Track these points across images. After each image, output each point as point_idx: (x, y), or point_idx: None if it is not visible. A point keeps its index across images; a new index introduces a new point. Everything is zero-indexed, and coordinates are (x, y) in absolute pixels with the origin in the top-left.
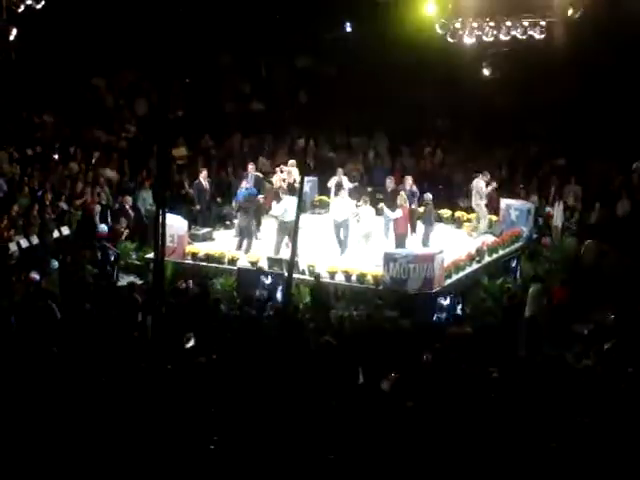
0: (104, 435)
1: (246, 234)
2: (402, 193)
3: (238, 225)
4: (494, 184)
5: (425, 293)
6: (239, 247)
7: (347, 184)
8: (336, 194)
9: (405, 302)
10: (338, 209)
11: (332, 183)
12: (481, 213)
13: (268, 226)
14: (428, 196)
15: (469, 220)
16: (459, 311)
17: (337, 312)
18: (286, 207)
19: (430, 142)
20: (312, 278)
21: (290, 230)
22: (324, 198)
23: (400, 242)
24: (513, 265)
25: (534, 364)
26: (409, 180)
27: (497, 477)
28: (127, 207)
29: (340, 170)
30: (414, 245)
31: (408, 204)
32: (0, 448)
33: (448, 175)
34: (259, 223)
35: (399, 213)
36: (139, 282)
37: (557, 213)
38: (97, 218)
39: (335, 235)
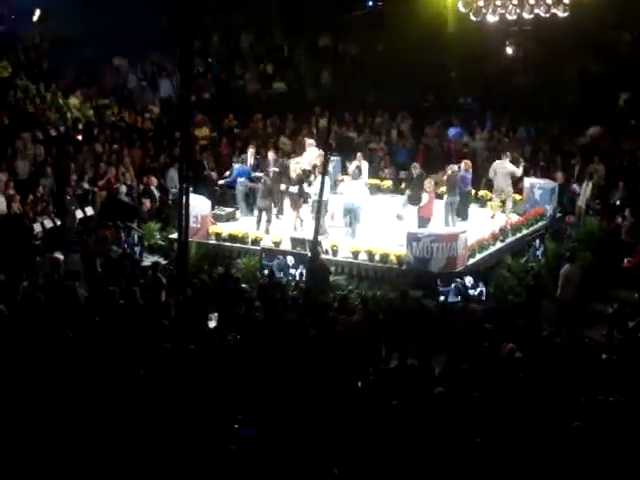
0: (127, 415)
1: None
2: (429, 179)
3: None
4: (522, 165)
5: (429, 274)
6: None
7: (366, 169)
8: (354, 178)
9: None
10: (351, 194)
11: (352, 167)
12: (507, 193)
13: (287, 206)
14: (453, 167)
15: (491, 199)
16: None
17: (360, 292)
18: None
19: (453, 122)
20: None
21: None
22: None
23: (423, 224)
24: (537, 244)
25: (558, 343)
26: (465, 164)
27: (520, 455)
28: (152, 188)
29: (360, 154)
30: (438, 224)
31: (434, 190)
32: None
33: (472, 154)
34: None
35: (425, 199)
36: (163, 262)
37: (582, 192)
38: (122, 198)
39: (343, 220)
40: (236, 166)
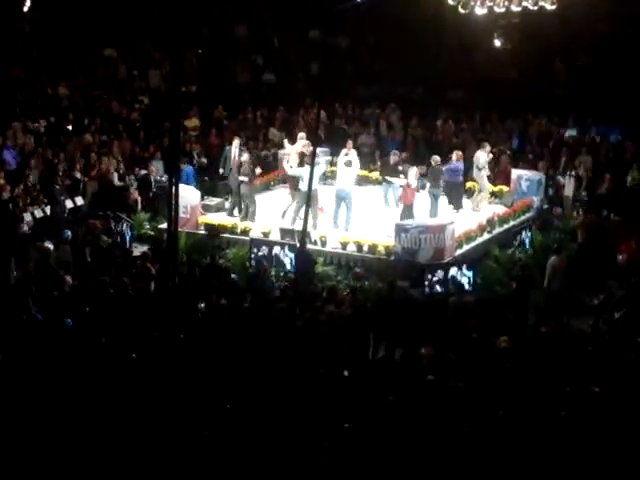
0: (118, 404)
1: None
2: (415, 170)
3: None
4: (503, 155)
5: (414, 264)
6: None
7: (355, 157)
8: (347, 166)
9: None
10: (343, 180)
11: (341, 156)
12: (481, 184)
13: (275, 196)
14: (436, 158)
15: (479, 192)
16: (464, 283)
17: (349, 282)
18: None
19: (442, 114)
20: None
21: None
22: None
23: (406, 214)
24: (524, 235)
25: (545, 333)
26: (456, 155)
27: (507, 446)
28: (151, 177)
29: (350, 142)
30: (422, 213)
31: (416, 183)
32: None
33: (461, 146)
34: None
35: (401, 182)
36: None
37: (568, 183)
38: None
39: (335, 208)
40: (183, 167)
